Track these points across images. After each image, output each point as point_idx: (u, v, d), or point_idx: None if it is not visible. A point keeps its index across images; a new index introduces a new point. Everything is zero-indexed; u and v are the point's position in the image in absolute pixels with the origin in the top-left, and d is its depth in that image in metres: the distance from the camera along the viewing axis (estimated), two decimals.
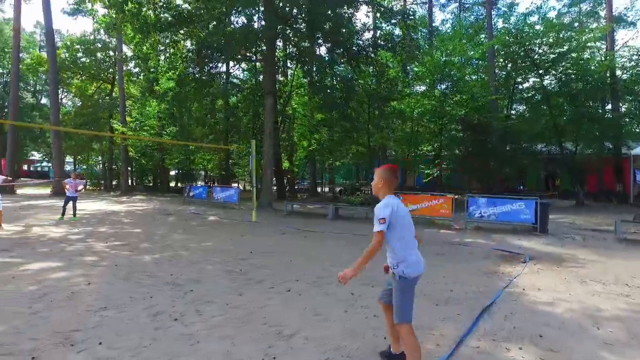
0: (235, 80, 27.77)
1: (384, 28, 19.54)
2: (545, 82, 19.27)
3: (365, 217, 14.34)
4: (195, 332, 3.65)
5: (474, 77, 22.16)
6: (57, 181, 21.25)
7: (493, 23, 25.53)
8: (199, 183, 32.96)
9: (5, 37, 36.25)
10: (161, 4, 14.54)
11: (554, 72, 18.91)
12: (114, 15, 15.09)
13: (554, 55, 18.22)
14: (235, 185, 30.20)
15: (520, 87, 22.33)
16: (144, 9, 14.16)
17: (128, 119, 27.02)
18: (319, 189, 36.61)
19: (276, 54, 21.15)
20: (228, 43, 15.52)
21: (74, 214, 12.03)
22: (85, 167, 36.07)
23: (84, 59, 28.59)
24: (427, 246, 8.60)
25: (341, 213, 15.10)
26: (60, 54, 28.68)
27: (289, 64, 22.95)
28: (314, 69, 18.65)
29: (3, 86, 39.03)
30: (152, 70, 24.63)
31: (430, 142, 21.65)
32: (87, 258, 6.64)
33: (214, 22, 15.08)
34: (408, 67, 18.48)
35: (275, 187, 28.24)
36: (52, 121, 22.65)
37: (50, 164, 58.18)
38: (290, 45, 19.39)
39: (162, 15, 14.84)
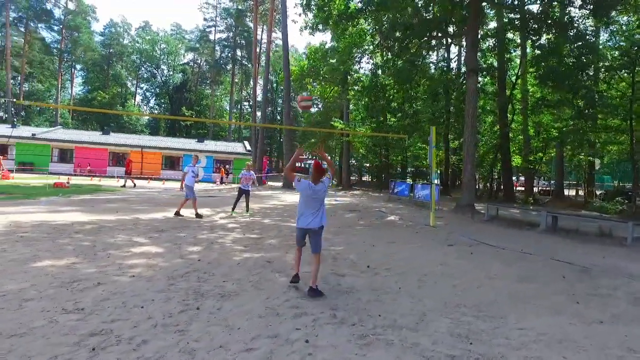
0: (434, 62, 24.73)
1: None
2: None
3: (599, 234, 9.70)
4: None
5: None
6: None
7: None
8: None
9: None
10: None
11: None
12: (310, 16, 15.66)
13: None
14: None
15: None
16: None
17: (351, 116, 28.52)
18: (571, 192, 29.10)
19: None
20: (421, 19, 13.56)
21: (247, 209, 11.53)
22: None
23: (319, 66, 32.15)
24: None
25: (563, 224, 10.77)
26: (305, 64, 33.24)
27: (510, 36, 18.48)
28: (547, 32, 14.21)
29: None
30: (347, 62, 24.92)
31: None
32: (192, 248, 6.60)
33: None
34: None
35: (502, 187, 23.87)
36: (285, 122, 26.32)
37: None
38: (508, 12, 15.41)
39: (350, 3, 14.36)
